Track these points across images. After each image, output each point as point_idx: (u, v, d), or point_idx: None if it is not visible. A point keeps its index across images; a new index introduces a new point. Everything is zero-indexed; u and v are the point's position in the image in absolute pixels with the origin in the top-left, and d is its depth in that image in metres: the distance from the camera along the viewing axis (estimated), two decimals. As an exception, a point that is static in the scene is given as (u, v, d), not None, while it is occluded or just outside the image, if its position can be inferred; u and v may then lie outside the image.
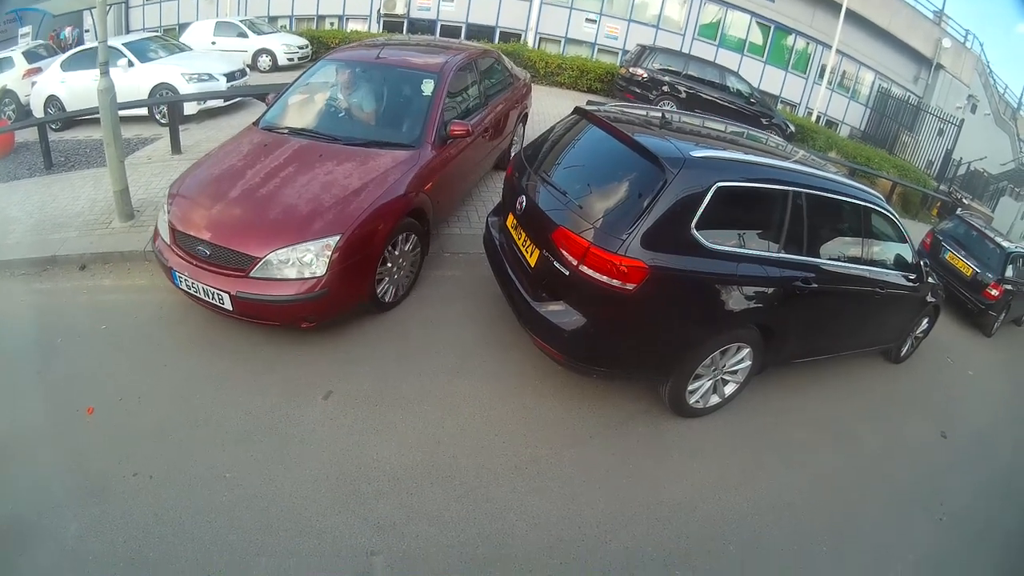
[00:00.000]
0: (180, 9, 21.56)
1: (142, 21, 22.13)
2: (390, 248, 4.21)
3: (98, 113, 5.60)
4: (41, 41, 16.25)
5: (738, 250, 3.53)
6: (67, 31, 20.29)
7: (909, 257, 4.91)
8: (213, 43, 14.67)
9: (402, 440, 3.55)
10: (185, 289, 3.90)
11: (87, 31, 20.03)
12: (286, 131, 4.77)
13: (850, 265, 4.30)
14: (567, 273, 3.38)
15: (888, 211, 4.59)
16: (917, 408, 5.44)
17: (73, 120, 9.84)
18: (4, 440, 3.34)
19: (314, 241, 3.67)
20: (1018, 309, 9.29)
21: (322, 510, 3.08)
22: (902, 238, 4.81)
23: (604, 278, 3.22)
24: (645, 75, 13.43)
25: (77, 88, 10.08)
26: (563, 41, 19.88)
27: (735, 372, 4.12)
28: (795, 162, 4.06)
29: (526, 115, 7.82)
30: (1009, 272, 8.60)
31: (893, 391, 5.57)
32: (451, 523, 3.13)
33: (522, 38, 19.17)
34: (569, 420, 3.92)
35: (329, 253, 3.68)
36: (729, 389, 4.21)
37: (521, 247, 3.87)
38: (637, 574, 3.10)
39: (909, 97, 20.34)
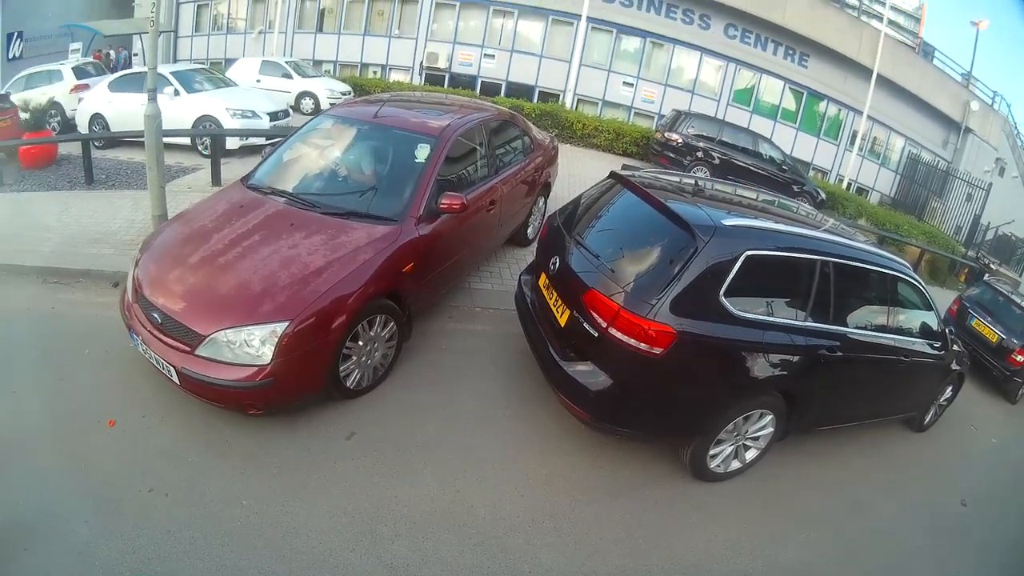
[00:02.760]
0: (228, 44, 22.34)
1: (190, 52, 23.02)
2: (364, 325, 3.85)
3: (142, 136, 5.81)
4: (90, 59, 16.79)
5: (765, 318, 3.57)
6: (113, 52, 20.98)
7: (935, 325, 4.92)
8: (258, 81, 15.08)
9: (421, 485, 3.58)
10: (142, 353, 3.66)
11: (135, 55, 20.64)
12: (268, 191, 4.45)
13: (876, 334, 4.31)
14: (596, 335, 3.44)
15: (915, 279, 4.61)
16: (938, 476, 5.36)
17: (116, 140, 10.13)
18: (25, 443, 3.44)
19: (261, 325, 3.34)
20: (1044, 375, 9.13)
21: (337, 546, 3.11)
22: (928, 306, 4.81)
23: (633, 341, 3.27)
24: (680, 140, 13.57)
25: (123, 109, 10.39)
26: (600, 103, 20.09)
27: (757, 438, 4.11)
28: (824, 231, 4.11)
29: (549, 185, 7.26)
30: (1034, 337, 8.47)
31: (914, 459, 5.49)
32: (464, 570, 3.14)
33: (560, 98, 19.39)
34: (590, 478, 3.92)
35: (276, 340, 3.32)
36: (750, 455, 4.19)
37: (552, 306, 3.94)
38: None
39: (938, 162, 20.31)
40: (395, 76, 20.42)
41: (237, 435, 3.66)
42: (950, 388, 5.94)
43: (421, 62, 20.17)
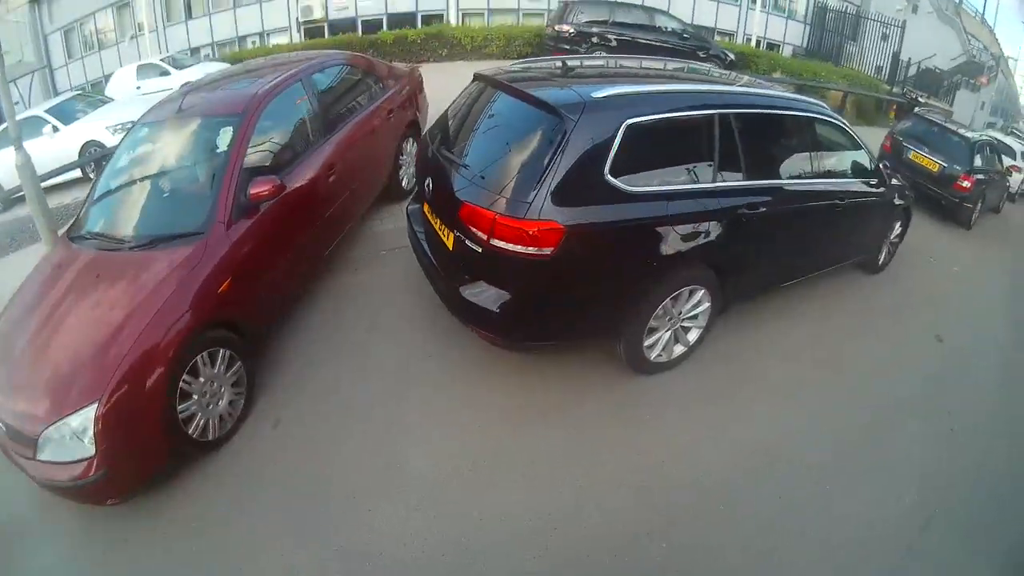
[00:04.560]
0: (103, 61, 21.08)
1: (69, 80, 21.82)
2: (188, 378, 3.18)
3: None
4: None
5: (665, 188, 3.27)
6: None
7: (866, 162, 4.69)
8: (138, 87, 14.18)
9: (351, 455, 3.36)
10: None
11: (17, 102, 19.46)
12: (86, 238, 3.77)
13: (800, 181, 4.06)
14: (480, 250, 3.12)
15: (833, 118, 4.37)
16: (905, 316, 5.19)
17: (11, 200, 9.50)
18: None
19: (75, 414, 2.82)
20: (993, 197, 9.21)
21: (286, 546, 2.91)
22: (855, 144, 4.59)
23: (518, 247, 2.96)
24: (572, 30, 13.08)
25: (9, 165, 9.73)
26: (486, 13, 19.18)
27: (695, 317, 3.85)
28: (723, 85, 3.81)
29: (417, 124, 6.30)
30: (977, 161, 8.49)
31: (877, 303, 5.32)
32: (412, 534, 2.92)
33: (444, 18, 18.62)
34: (525, 402, 3.67)
35: (91, 427, 2.81)
36: (692, 336, 3.94)
37: (439, 232, 3.61)
38: (620, 555, 2.88)
39: (847, 7, 20.14)
40: (275, 40, 19.50)
41: (163, 487, 3.26)
42: (898, 224, 5.75)
43: (297, 19, 19.24)
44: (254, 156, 3.85)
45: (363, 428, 3.51)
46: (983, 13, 27.86)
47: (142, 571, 2.91)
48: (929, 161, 8.50)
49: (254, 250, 3.62)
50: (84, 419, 2.80)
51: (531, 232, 2.91)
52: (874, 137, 9.13)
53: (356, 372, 3.91)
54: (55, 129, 10.03)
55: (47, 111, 10.59)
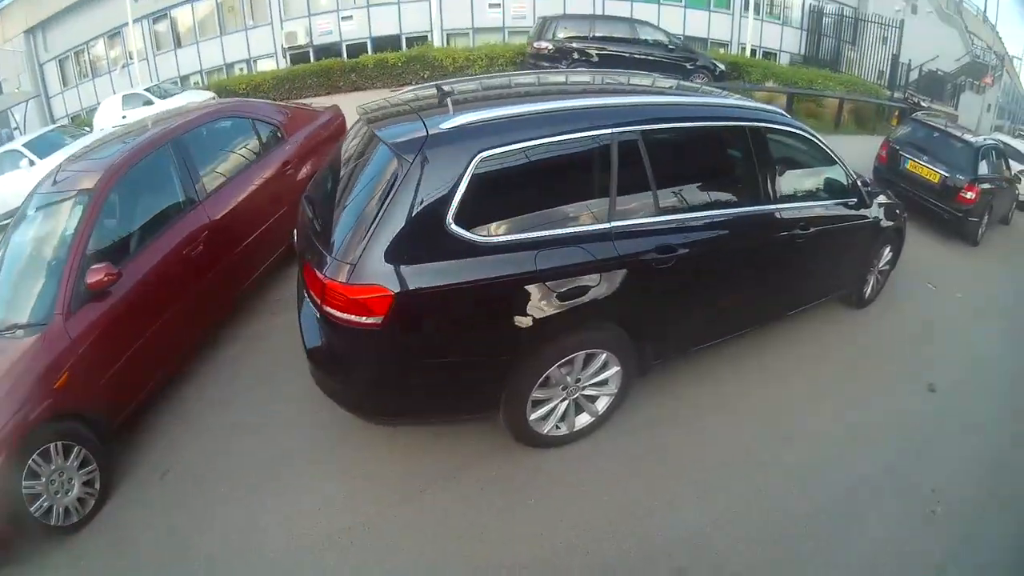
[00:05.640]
0: (97, 89, 21.28)
1: (64, 107, 22.30)
2: (39, 459, 2.99)
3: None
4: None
5: (532, 235, 2.68)
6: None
7: (842, 179, 4.00)
8: (124, 117, 13.93)
9: (217, 527, 3.07)
10: None
11: (15, 128, 19.74)
12: None
13: (741, 210, 3.40)
14: (319, 316, 2.71)
15: (794, 127, 3.73)
16: (893, 361, 4.37)
17: (-3, 227, 9.41)
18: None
19: None
20: (1001, 207, 8.37)
21: None
22: (825, 157, 3.92)
23: (346, 315, 2.51)
24: (550, 47, 12.78)
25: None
26: (471, 32, 19.07)
27: (605, 382, 3.20)
28: (628, 95, 3.14)
29: None
30: (983, 169, 7.65)
31: (858, 346, 4.47)
32: None
33: (428, 39, 18.61)
34: (401, 473, 3.19)
35: None
36: (602, 404, 3.29)
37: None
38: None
39: (844, 10, 19.48)
40: (262, 66, 19.62)
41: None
42: (887, 249, 4.90)
43: (282, 44, 19.39)
44: (107, 236, 3.65)
45: (226, 502, 3.20)
46: (984, 10, 26.76)
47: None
48: (929, 171, 7.69)
49: (101, 340, 3.37)
50: None
51: (354, 299, 2.47)
52: (874, 145, 8.60)
53: (240, 428, 3.67)
54: (31, 163, 10.22)
55: (26, 144, 10.91)
